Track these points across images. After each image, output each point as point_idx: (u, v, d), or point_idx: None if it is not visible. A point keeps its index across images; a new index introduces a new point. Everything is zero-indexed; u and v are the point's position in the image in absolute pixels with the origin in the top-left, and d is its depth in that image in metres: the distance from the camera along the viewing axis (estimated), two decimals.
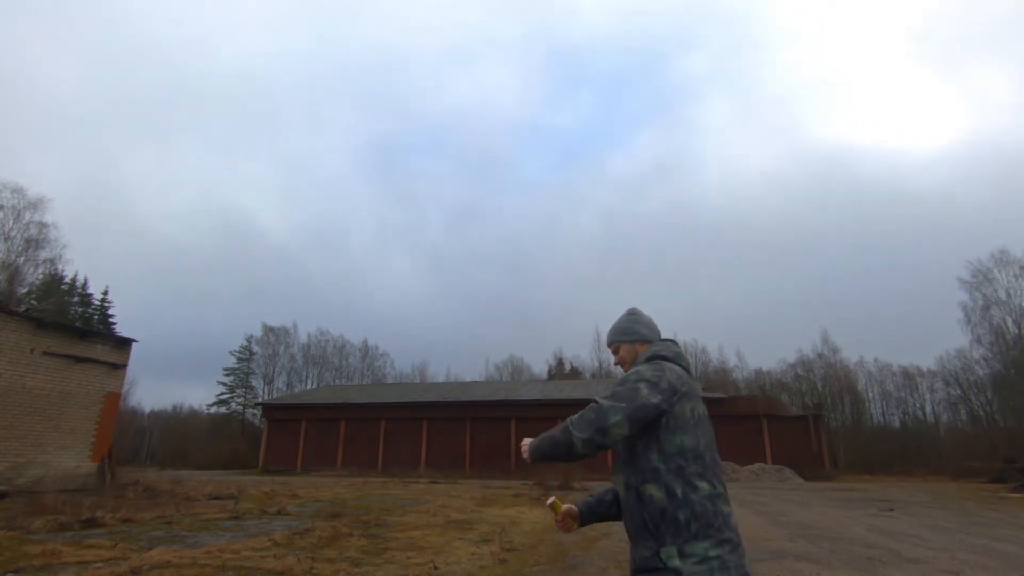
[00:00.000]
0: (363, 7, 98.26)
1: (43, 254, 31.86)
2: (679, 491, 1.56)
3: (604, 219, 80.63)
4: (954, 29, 74.83)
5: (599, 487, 2.06)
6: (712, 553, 1.48)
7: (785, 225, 68.90)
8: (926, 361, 42.43)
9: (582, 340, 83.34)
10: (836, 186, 70.31)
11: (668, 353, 1.84)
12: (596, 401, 1.59)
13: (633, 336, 1.95)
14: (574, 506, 1.95)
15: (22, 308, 28.27)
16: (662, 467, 1.59)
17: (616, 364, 2.00)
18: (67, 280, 40.64)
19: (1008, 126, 66.43)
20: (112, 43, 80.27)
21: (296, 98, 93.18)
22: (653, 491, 1.58)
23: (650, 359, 1.80)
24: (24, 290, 32.53)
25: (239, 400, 49.54)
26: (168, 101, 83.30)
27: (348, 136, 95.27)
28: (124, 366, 15.01)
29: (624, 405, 1.56)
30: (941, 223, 58.53)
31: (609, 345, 2.04)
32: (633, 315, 2.02)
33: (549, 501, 1.95)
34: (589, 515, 1.93)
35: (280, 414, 33.20)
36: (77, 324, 30.08)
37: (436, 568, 5.56)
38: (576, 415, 1.58)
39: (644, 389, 1.60)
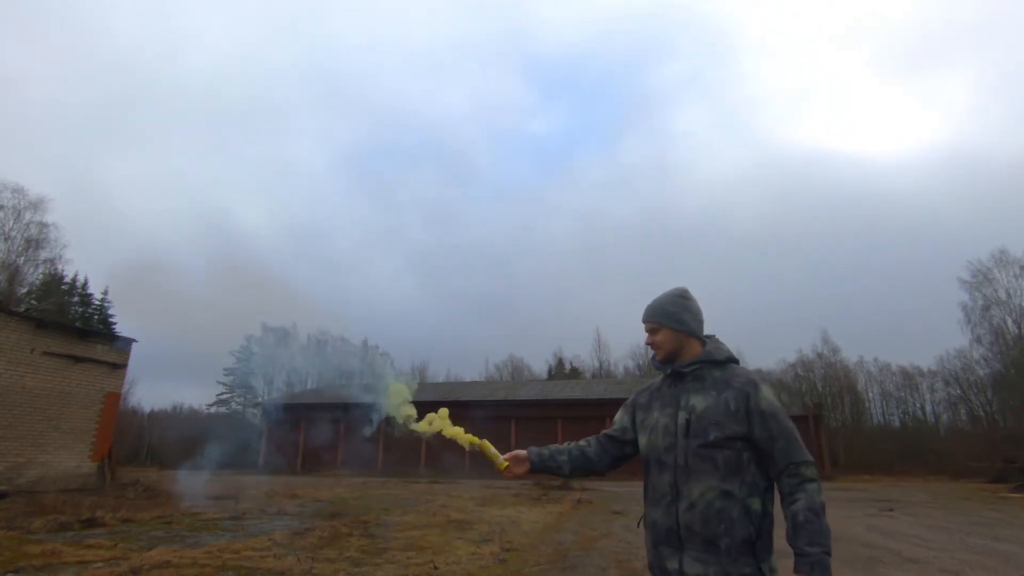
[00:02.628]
0: (342, 13, 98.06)
1: (43, 254, 31.91)
2: (770, 507, 1.61)
3: (592, 221, 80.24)
4: (933, 33, 74.91)
5: (565, 447, 1.96)
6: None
7: (779, 226, 68.63)
8: (926, 361, 42.29)
9: (582, 340, 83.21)
10: (832, 188, 70.09)
11: (734, 355, 1.79)
12: (809, 466, 1.58)
13: (681, 325, 1.79)
14: (522, 452, 1.92)
15: (22, 308, 28.28)
16: (762, 483, 1.61)
17: (648, 344, 1.85)
18: (67, 280, 40.64)
19: (991, 129, 66.76)
20: (92, 48, 79.60)
21: (284, 102, 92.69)
22: (757, 505, 1.57)
23: (736, 362, 1.77)
24: (24, 290, 32.55)
25: (239, 400, 49.57)
26: (154, 104, 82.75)
27: (334, 139, 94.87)
28: (124, 366, 15.01)
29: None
30: (940, 223, 58.52)
31: (646, 322, 1.85)
32: (685, 299, 1.84)
33: (484, 446, 1.99)
34: (540, 465, 1.91)
35: (280, 414, 33.22)
36: (77, 324, 30.07)
37: (436, 568, 5.56)
38: (815, 487, 1.55)
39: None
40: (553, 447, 1.95)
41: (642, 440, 1.80)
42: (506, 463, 1.92)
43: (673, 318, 1.80)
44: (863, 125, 79.88)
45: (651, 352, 1.87)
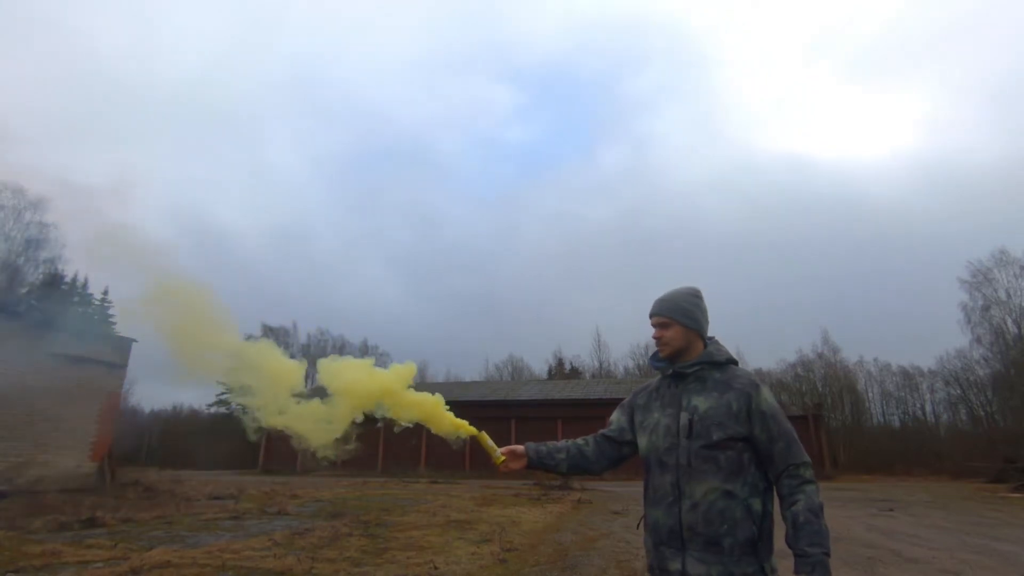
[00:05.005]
0: (330, 19, 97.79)
1: (43, 254, 31.89)
2: (771, 507, 1.63)
3: (584, 223, 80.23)
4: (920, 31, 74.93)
5: (562, 444, 1.96)
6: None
7: (780, 227, 68.65)
8: (926, 361, 42.29)
9: (582, 340, 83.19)
10: (830, 189, 70.13)
11: (734, 357, 1.80)
12: (807, 467, 1.61)
13: (693, 323, 1.78)
14: (519, 447, 1.92)
15: (22, 308, 28.25)
16: (763, 483, 1.62)
17: (655, 338, 1.82)
18: (67, 280, 40.62)
19: (988, 128, 67.07)
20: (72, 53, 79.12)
21: (276, 108, 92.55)
22: (759, 506, 1.59)
23: (735, 363, 1.78)
24: (24, 290, 32.53)
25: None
26: (141, 106, 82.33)
27: (328, 143, 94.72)
28: (124, 366, 15.01)
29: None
30: (940, 223, 58.53)
31: (657, 316, 1.82)
32: (697, 298, 1.84)
33: (484, 437, 2.00)
34: (537, 462, 1.91)
35: None
36: (77, 324, 30.03)
37: (436, 568, 5.56)
38: (814, 488, 1.58)
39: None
40: (551, 444, 1.95)
41: (642, 441, 1.80)
42: (503, 457, 1.92)
43: (687, 315, 1.79)
44: (859, 128, 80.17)
45: (651, 349, 1.86)
